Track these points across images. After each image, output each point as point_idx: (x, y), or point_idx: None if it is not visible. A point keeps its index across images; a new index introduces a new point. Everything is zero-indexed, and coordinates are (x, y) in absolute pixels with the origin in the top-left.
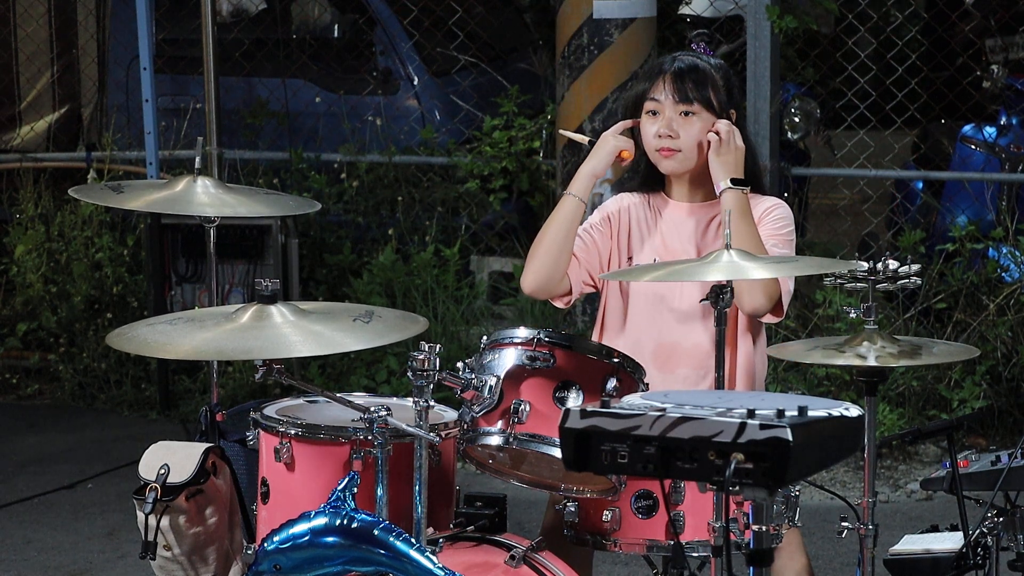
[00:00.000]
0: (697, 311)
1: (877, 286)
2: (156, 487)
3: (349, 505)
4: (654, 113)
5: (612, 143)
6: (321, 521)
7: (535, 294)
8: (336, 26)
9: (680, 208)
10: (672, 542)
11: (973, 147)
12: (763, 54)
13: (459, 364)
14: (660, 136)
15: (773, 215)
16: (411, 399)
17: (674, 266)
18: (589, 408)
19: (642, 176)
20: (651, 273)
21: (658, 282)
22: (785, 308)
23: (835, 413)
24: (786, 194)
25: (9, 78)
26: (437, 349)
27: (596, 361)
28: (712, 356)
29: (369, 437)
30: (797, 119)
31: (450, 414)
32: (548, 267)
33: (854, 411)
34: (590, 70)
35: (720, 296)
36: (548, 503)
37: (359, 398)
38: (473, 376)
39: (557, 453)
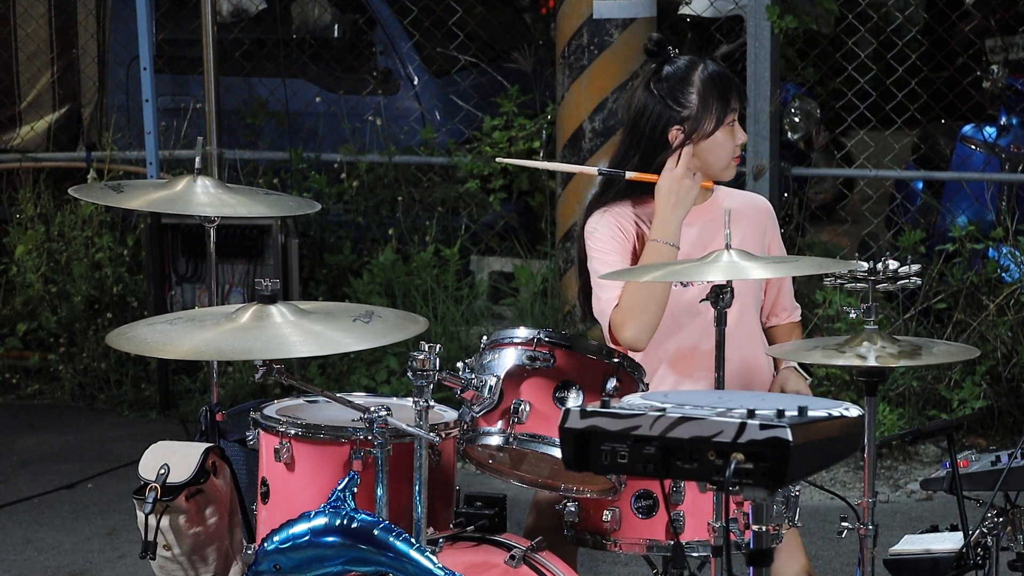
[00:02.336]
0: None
1: (877, 286)
2: (156, 487)
3: (349, 505)
4: (733, 123)
5: (695, 185)
6: (321, 521)
7: (643, 347)
8: (336, 26)
9: None
10: (672, 542)
11: (973, 147)
12: (763, 54)
13: (459, 364)
14: (740, 143)
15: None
16: (411, 399)
17: (674, 266)
18: (589, 408)
19: (624, 188)
20: (651, 273)
21: (675, 289)
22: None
23: (835, 413)
24: (786, 194)
25: (9, 78)
26: (437, 349)
27: (596, 361)
28: (739, 360)
29: (369, 437)
30: (797, 119)
31: (450, 414)
32: (657, 317)
33: (854, 411)
34: (590, 70)
35: (720, 296)
36: (531, 504)
37: (359, 398)
38: (473, 376)
39: (557, 453)
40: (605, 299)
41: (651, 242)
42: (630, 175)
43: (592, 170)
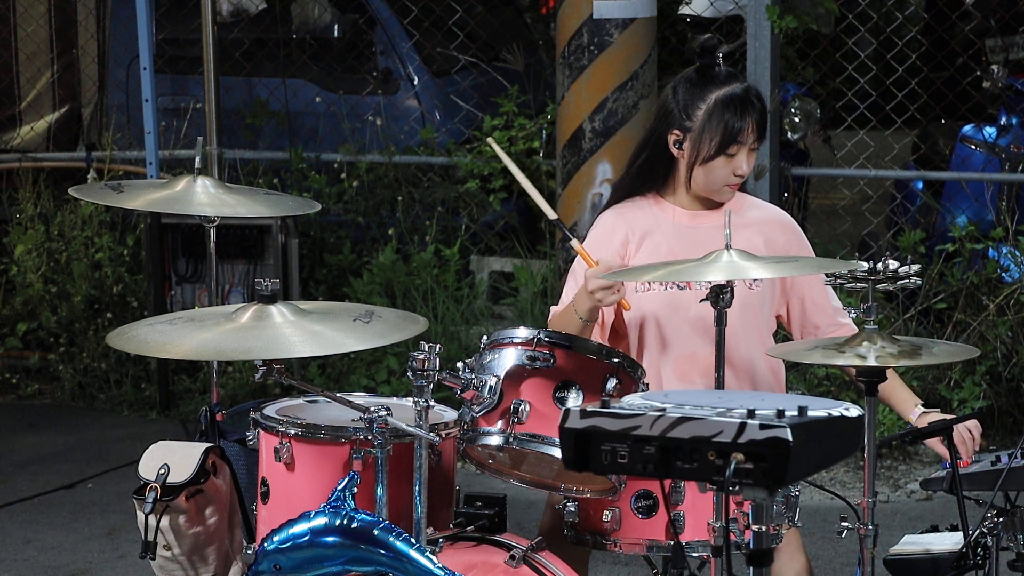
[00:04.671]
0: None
1: (877, 286)
2: (156, 487)
3: (349, 505)
4: (735, 154)
5: (604, 298)
6: (321, 521)
7: None
8: (336, 26)
9: (692, 216)
10: (672, 542)
11: (973, 147)
12: (763, 54)
13: (459, 364)
14: (739, 175)
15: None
16: (411, 399)
17: (674, 266)
18: (589, 408)
19: (647, 177)
20: (651, 273)
21: (674, 293)
22: None
23: (835, 413)
24: (786, 194)
25: (9, 78)
26: (437, 349)
27: (596, 361)
28: (744, 363)
29: (369, 437)
30: (797, 119)
31: (450, 414)
32: None
33: (854, 411)
34: (590, 70)
35: (720, 296)
36: (546, 504)
37: (359, 398)
38: (473, 376)
39: (557, 453)
40: (555, 306)
41: (570, 303)
42: (575, 245)
43: (551, 214)
